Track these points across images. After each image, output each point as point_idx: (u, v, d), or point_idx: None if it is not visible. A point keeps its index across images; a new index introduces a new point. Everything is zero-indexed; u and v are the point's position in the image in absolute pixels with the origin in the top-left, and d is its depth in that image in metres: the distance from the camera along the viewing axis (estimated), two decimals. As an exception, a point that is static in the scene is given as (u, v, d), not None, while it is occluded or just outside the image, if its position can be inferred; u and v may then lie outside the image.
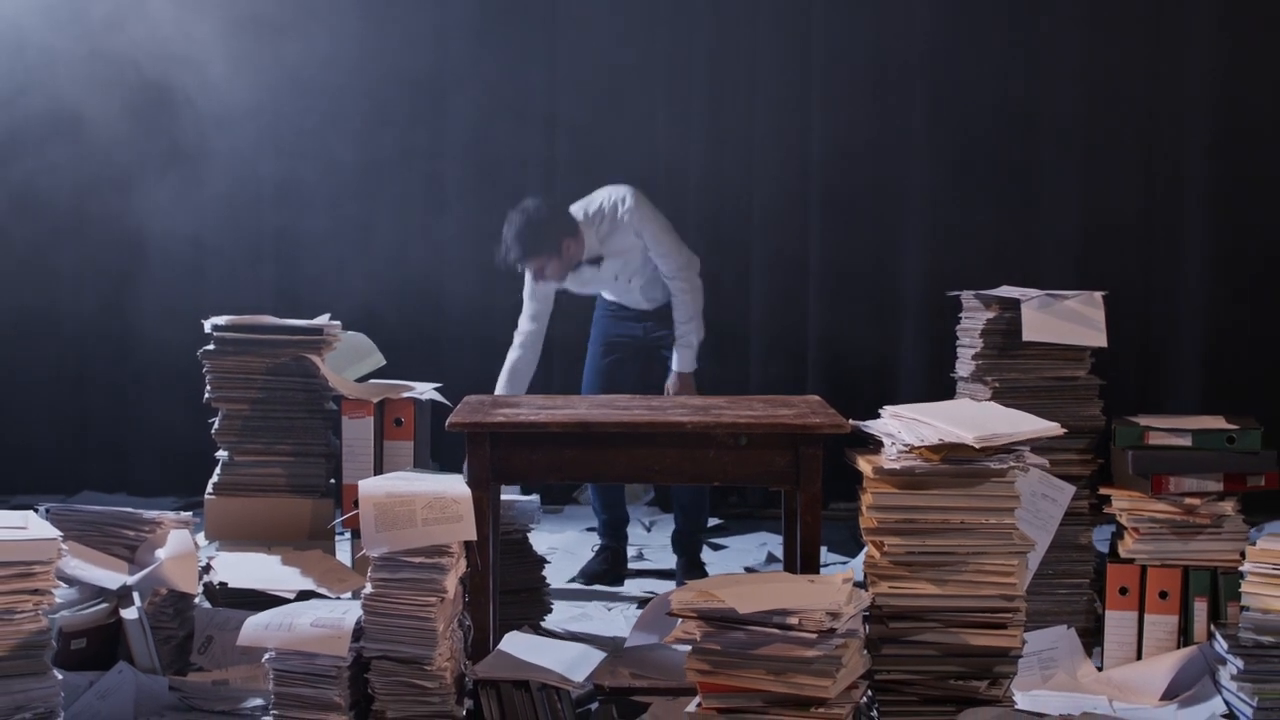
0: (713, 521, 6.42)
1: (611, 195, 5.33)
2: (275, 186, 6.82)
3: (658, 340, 5.47)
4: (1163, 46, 6.58)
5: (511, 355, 5.39)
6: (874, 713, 3.51)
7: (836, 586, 3.28)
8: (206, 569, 4.34)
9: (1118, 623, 4.32)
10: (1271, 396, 6.38)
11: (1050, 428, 3.59)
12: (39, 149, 6.68)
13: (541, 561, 4.67)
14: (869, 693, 3.47)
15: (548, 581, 4.64)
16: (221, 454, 4.59)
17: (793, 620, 3.14)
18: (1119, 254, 6.57)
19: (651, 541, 6.12)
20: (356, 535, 4.58)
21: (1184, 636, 4.31)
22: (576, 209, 5.31)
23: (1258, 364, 6.55)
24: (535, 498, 4.80)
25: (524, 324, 5.41)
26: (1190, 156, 6.59)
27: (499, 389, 5.32)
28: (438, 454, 4.72)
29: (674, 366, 5.34)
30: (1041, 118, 6.66)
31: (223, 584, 4.29)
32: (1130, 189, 6.65)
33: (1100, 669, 4.32)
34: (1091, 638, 4.40)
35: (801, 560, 3.61)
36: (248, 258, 6.79)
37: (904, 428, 3.57)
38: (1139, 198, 6.64)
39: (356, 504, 4.38)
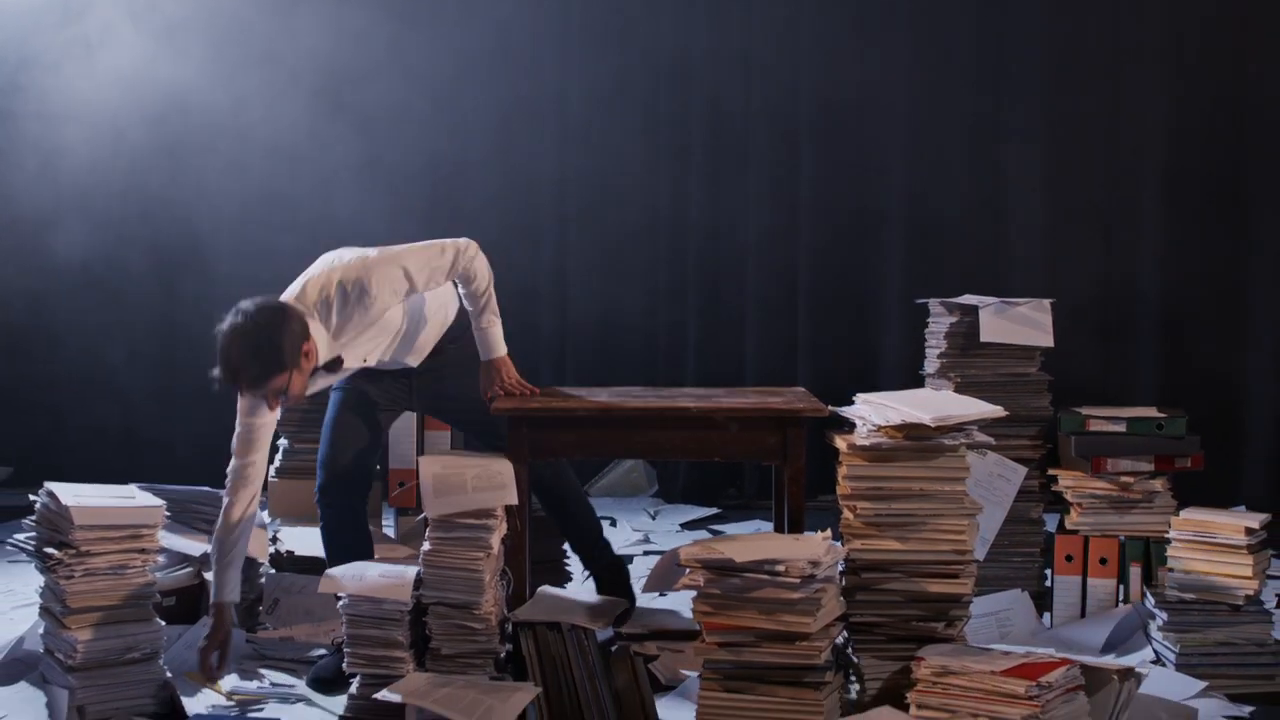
0: (711, 511, 6.86)
1: (336, 275, 4.02)
2: (305, 211, 7.14)
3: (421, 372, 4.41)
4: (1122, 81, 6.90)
5: (229, 520, 4.08)
6: (849, 649, 3.83)
7: (817, 542, 3.62)
8: (274, 539, 4.80)
9: (1064, 586, 4.70)
10: (1223, 387, 6.76)
11: (994, 410, 3.93)
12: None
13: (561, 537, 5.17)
14: (845, 632, 3.79)
15: (567, 554, 5.14)
16: (283, 442, 5.04)
17: (780, 568, 3.45)
18: (1080, 263, 6.85)
19: (656, 528, 6.51)
20: (400, 513, 5.17)
21: (1121, 598, 4.69)
22: (291, 301, 4.01)
23: (1207, 358, 6.81)
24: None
25: (244, 477, 4.08)
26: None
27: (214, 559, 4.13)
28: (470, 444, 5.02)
29: (481, 356, 4.28)
30: (1008, 140, 6.96)
31: (289, 552, 4.73)
32: (1091, 200, 6.94)
33: (1050, 627, 4.67)
34: (1041, 600, 4.77)
35: (788, 523, 4.01)
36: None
37: (873, 411, 3.89)
38: (1100, 214, 6.93)
39: (401, 485, 5.01)
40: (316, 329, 3.96)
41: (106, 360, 7.34)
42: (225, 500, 4.08)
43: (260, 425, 4.06)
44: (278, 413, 4.08)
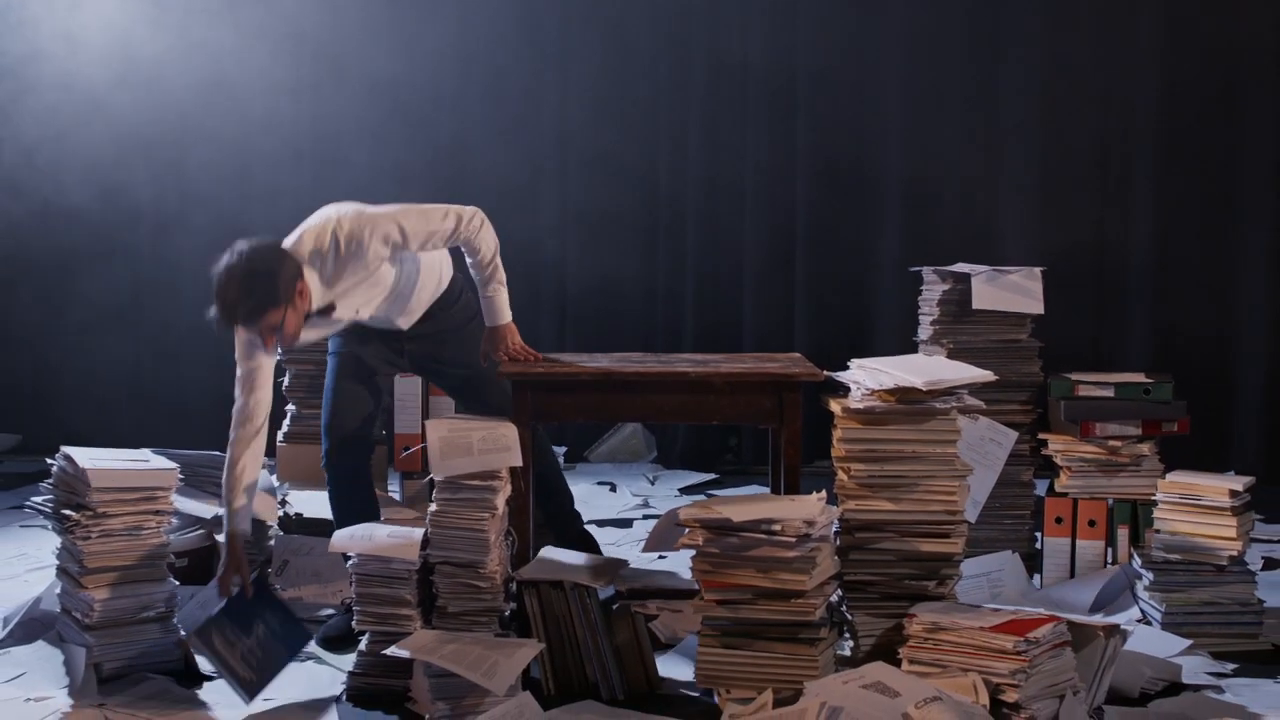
0: (709, 476, 6.96)
1: (331, 225, 4.07)
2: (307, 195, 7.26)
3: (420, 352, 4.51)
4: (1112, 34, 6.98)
5: (237, 463, 4.07)
6: (843, 607, 3.92)
7: (812, 503, 3.71)
8: (283, 502, 4.89)
9: (1054, 548, 4.80)
10: (1213, 354, 6.87)
11: (984, 375, 4.01)
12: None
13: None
14: (839, 591, 3.86)
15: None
16: (290, 407, 5.10)
17: (776, 528, 3.55)
18: (1071, 231, 6.91)
19: (655, 493, 6.60)
20: (406, 477, 5.26)
21: (1109, 560, 4.77)
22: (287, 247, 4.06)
23: (1198, 325, 6.89)
24: (561, 448, 5.35)
25: (246, 414, 4.08)
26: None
27: (226, 499, 4.10)
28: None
29: (486, 323, 4.37)
30: (1001, 107, 7.02)
31: (298, 514, 4.83)
32: (1083, 168, 6.99)
33: (1040, 588, 4.75)
34: (1032, 561, 4.86)
35: (784, 485, 4.09)
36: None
37: (867, 376, 3.98)
38: (1092, 187, 6.97)
39: (406, 450, 5.10)
40: (310, 275, 4.00)
41: (108, 324, 7.42)
42: (231, 435, 4.08)
43: (258, 368, 4.07)
44: (275, 355, 4.11)
